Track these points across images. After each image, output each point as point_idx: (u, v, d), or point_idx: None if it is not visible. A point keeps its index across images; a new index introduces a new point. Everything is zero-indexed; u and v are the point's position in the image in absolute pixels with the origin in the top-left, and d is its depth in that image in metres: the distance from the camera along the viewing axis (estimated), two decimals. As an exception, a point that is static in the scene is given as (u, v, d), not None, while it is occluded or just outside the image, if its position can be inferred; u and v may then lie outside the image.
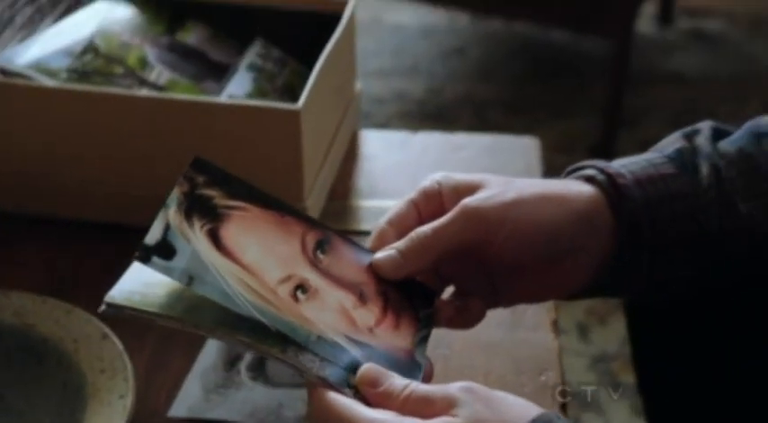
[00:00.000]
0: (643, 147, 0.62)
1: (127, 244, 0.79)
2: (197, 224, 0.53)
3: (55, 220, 0.82)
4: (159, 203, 0.76)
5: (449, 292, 0.61)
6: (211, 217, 0.54)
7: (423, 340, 0.56)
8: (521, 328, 0.72)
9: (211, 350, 0.72)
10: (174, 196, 0.54)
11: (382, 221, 0.58)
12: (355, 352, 0.53)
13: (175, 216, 0.53)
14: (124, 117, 0.78)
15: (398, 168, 0.89)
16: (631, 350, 0.79)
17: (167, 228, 0.52)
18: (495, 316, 0.64)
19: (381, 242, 0.58)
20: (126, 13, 0.92)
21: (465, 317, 0.60)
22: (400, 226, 0.58)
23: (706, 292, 0.64)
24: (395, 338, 0.55)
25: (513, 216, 0.56)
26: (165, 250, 0.51)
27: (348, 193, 0.87)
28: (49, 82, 0.82)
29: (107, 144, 0.79)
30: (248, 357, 0.71)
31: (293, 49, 0.92)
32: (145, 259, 0.51)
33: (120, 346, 0.67)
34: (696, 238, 0.58)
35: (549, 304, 0.73)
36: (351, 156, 0.91)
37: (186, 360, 0.70)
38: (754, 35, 2.37)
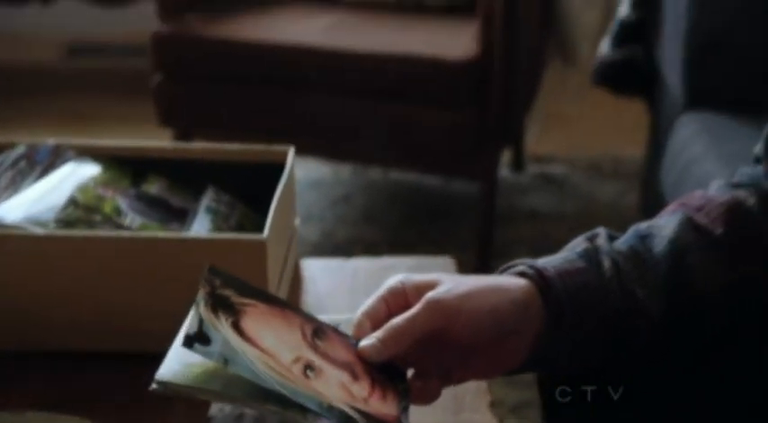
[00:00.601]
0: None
1: (115, 368, 0.84)
2: (222, 317, 0.61)
3: (48, 353, 0.86)
4: (143, 332, 0.83)
5: (409, 374, 0.69)
6: (231, 312, 0.62)
7: (405, 409, 0.64)
8: (464, 410, 0.80)
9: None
10: (202, 295, 0.62)
11: (359, 314, 0.67)
12: (358, 417, 0.60)
13: (205, 311, 0.61)
14: (110, 256, 0.85)
15: (338, 289, 0.98)
16: None
17: (201, 320, 0.60)
18: (440, 401, 0.72)
19: (360, 331, 0.66)
20: (95, 170, 0.99)
21: (425, 395, 0.68)
22: (374, 317, 0.66)
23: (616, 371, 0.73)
24: (384, 407, 0.62)
25: (468, 305, 0.65)
26: (202, 338, 0.59)
27: (300, 311, 0.94)
28: (40, 231, 0.88)
29: (95, 282, 0.85)
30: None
31: (239, 194, 1.01)
32: (188, 345, 0.59)
33: (131, 447, 0.72)
34: (604, 320, 0.68)
35: (485, 388, 0.82)
36: (296, 279, 0.99)
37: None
38: (591, 177, 2.57)
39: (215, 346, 0.59)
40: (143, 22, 3.08)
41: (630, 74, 1.90)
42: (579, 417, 0.74)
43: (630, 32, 1.84)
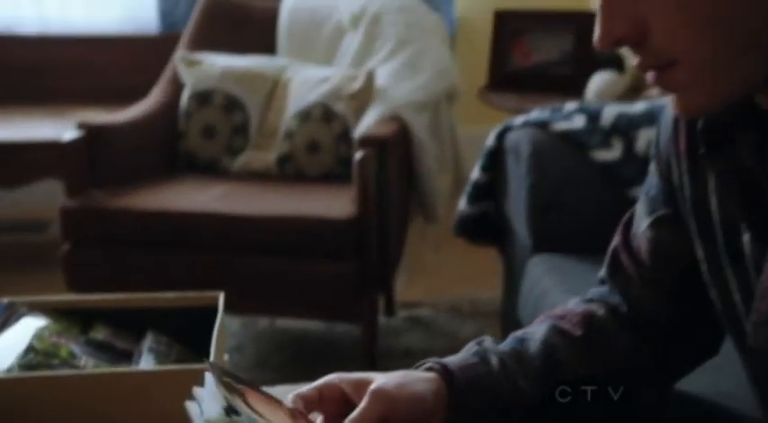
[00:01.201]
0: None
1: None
2: (236, 397, 0.71)
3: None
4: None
5: None
6: (238, 393, 0.72)
7: None
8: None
9: None
10: (217, 381, 0.72)
11: (294, 395, 0.77)
12: None
13: (225, 393, 0.71)
14: (72, 393, 0.91)
15: (267, 412, 1.06)
16: None
17: (226, 399, 0.70)
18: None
19: (297, 406, 0.76)
20: (48, 322, 1.05)
21: None
22: (306, 400, 0.77)
23: None
24: None
25: (403, 393, 0.77)
26: (234, 412, 0.69)
27: None
28: (5, 375, 0.94)
29: (62, 416, 0.91)
30: None
31: (174, 335, 1.10)
32: (228, 414, 0.68)
33: None
34: (495, 403, 0.80)
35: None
36: (230, 407, 1.07)
37: None
38: (454, 318, 2.73)
39: (243, 418, 0.69)
40: (32, 200, 3.14)
41: (484, 226, 2.08)
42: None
43: (482, 191, 2.03)
